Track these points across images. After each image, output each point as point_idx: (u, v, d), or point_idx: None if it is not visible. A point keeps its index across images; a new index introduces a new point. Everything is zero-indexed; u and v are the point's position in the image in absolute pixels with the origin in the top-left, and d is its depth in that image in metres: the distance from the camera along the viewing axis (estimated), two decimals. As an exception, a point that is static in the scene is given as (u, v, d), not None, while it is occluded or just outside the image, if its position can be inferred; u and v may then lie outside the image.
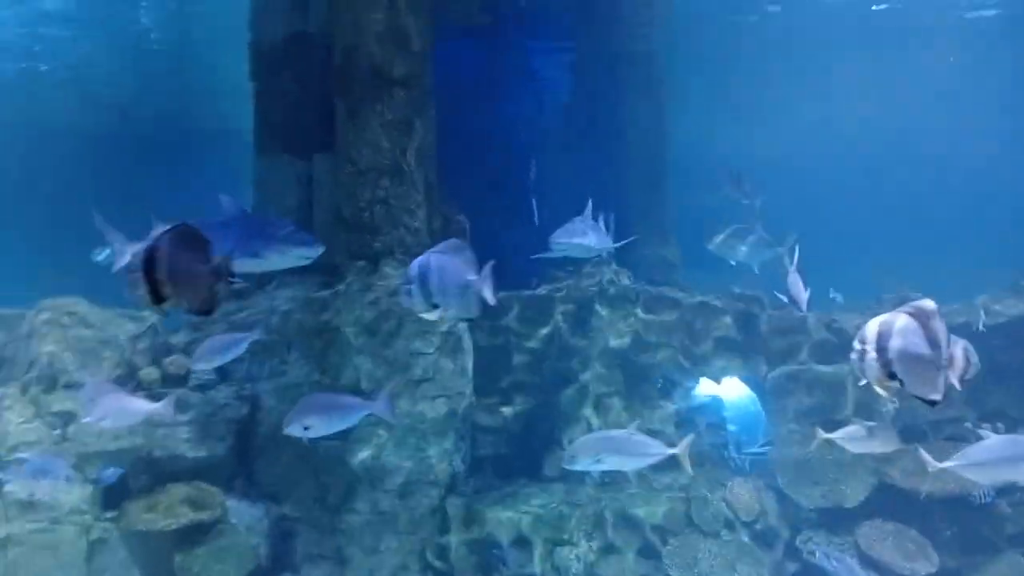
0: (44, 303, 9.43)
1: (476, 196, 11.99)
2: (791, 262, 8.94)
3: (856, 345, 4.32)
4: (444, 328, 9.59)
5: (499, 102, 14.30)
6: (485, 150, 13.53)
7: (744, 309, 11.22)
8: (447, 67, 11.44)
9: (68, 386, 9.01)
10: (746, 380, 11.37)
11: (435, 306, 5.13)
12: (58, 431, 8.92)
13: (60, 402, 8.95)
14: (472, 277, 5.15)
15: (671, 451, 7.59)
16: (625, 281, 11.13)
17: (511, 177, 13.25)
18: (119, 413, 7.51)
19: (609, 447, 7.66)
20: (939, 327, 4.13)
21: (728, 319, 11.11)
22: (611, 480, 10.23)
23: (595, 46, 13.87)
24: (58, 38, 16.90)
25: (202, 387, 9.66)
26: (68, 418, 8.91)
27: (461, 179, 11.37)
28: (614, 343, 10.89)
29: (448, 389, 9.47)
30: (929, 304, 4.20)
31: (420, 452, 9.38)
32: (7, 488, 8.79)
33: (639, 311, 11.03)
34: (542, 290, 10.93)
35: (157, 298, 3.49)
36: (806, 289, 8.68)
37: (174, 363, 9.88)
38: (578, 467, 7.82)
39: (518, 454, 10.73)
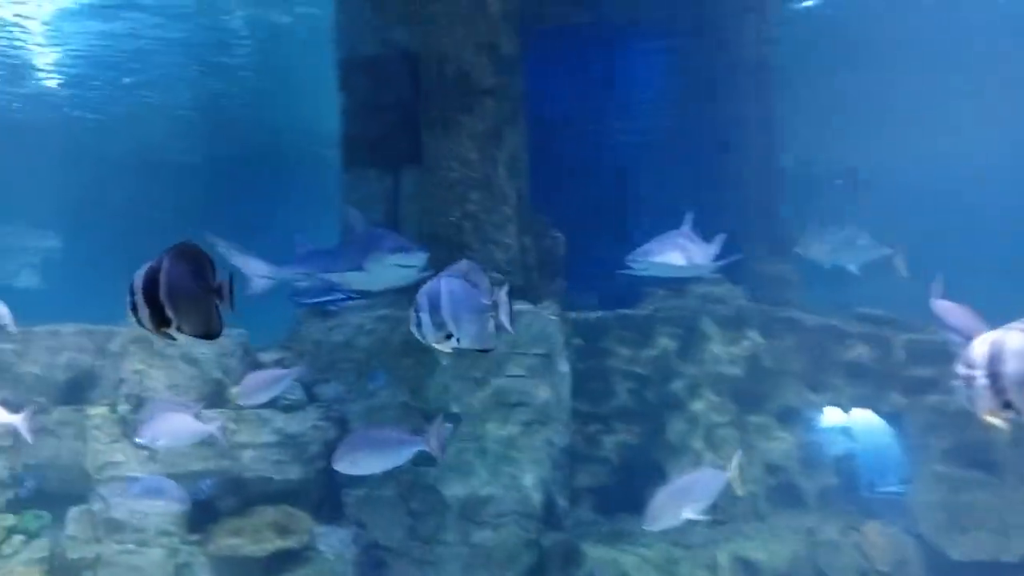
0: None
1: (573, 209, 11.31)
2: (936, 289, 7.60)
3: (961, 370, 3.72)
4: (539, 350, 8.93)
5: (599, 109, 13.62)
6: (582, 160, 12.85)
7: (875, 332, 10.05)
8: (541, 72, 10.93)
9: (156, 405, 8.82)
10: (878, 412, 10.14)
11: (448, 335, 4.74)
12: (146, 451, 8.72)
13: (148, 421, 8.77)
14: (487, 302, 4.69)
15: (725, 474, 7.30)
16: (739, 300, 10.15)
17: (611, 189, 12.52)
18: (171, 433, 7.24)
19: (688, 497, 6.96)
20: None
21: (857, 343, 9.96)
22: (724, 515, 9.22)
23: (704, 48, 13.01)
24: (152, 62, 17.40)
25: (289, 408, 9.34)
26: (156, 438, 8.70)
27: (557, 191, 10.74)
28: (727, 369, 9.90)
29: (544, 415, 8.84)
30: None
31: (514, 482, 8.75)
32: (97, 507, 8.67)
33: (755, 334, 10.01)
34: (644, 310, 10.07)
35: (160, 321, 3.34)
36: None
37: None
38: (660, 528, 7.18)
39: (620, 487, 9.88)
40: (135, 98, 18.81)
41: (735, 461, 7.31)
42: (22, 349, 9.60)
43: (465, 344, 4.83)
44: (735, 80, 12.56)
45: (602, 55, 13.57)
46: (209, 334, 3.40)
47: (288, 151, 21.23)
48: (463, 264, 4.79)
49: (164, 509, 8.56)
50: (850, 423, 10.36)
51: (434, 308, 4.69)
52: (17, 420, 7.57)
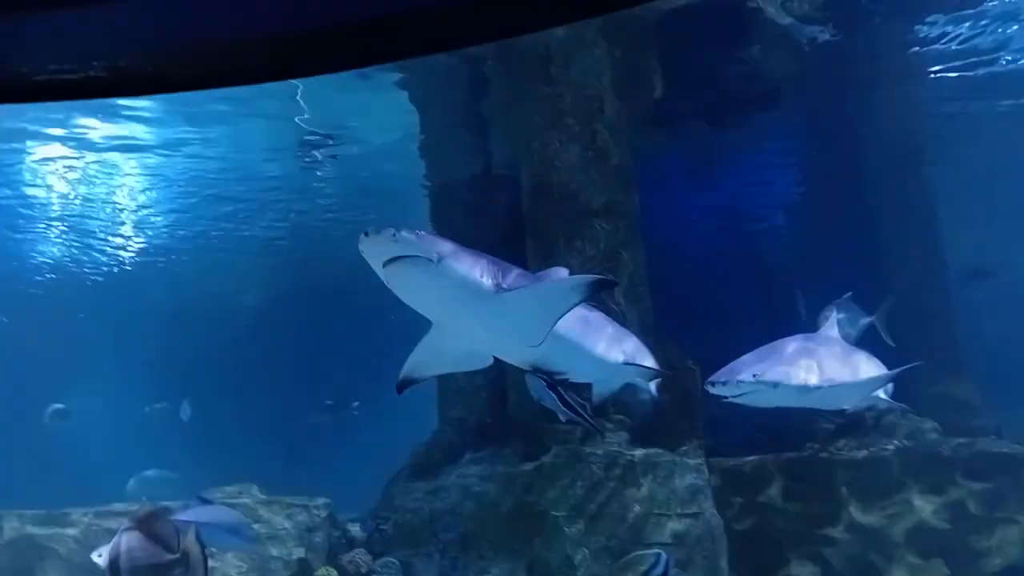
0: (207, 492, 8.14)
1: (708, 331, 9.71)
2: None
3: None
4: (685, 510, 7.18)
5: (723, 213, 12.33)
6: (711, 274, 11.39)
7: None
8: (658, 184, 9.80)
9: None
10: None
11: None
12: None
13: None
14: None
15: None
16: (931, 434, 8.16)
17: (747, 304, 10.94)
18: None
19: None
20: None
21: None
22: None
23: (837, 136, 11.64)
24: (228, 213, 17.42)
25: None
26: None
27: (687, 312, 9.27)
28: (932, 522, 7.79)
29: (698, 593, 6.90)
30: None
31: None
32: None
33: (958, 475, 7.93)
34: (812, 451, 8.15)
35: None
36: None
37: (353, 561, 8.19)
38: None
39: None
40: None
41: None
42: (83, 536, 8.51)
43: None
44: (880, 173, 11.09)
45: (725, 154, 12.44)
46: None
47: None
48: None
49: None
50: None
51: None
52: None
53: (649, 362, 5.34)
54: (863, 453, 8.19)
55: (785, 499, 8.21)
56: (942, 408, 9.73)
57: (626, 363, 5.06)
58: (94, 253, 18.63)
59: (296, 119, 12.51)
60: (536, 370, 4.59)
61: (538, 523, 7.78)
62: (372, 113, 12.34)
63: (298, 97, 11.73)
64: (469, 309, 3.93)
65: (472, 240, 9.65)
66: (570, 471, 7.83)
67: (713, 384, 5.00)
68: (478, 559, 8.06)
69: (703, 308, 10.57)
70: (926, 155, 11.25)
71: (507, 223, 9.57)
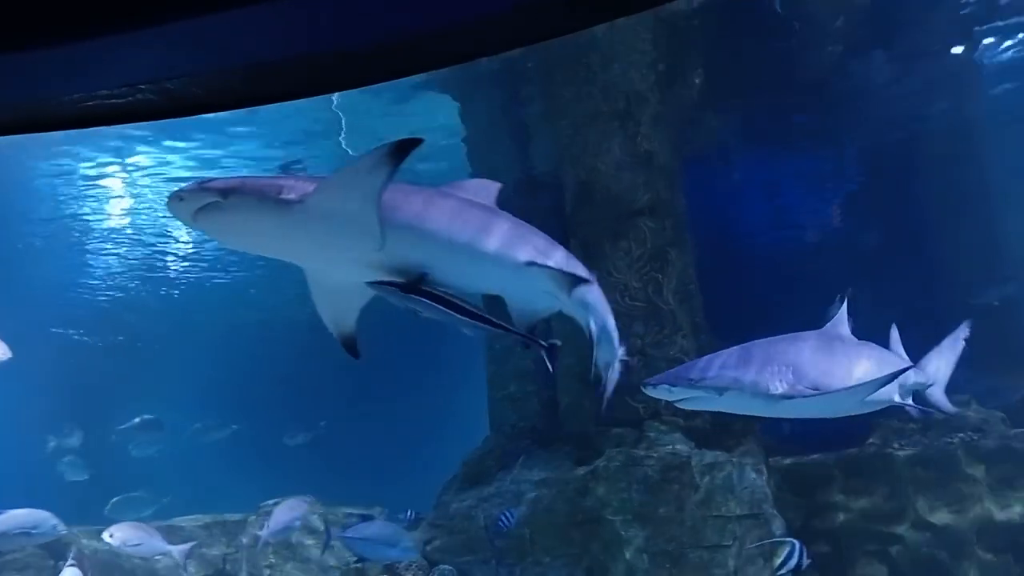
0: (266, 505, 8.27)
1: (761, 331, 9.54)
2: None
3: None
4: (747, 511, 7.05)
5: (775, 211, 12.11)
6: (764, 273, 11.19)
7: None
8: (706, 183, 9.65)
9: (291, 608, 7.54)
10: None
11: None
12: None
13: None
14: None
15: None
16: (1001, 427, 7.86)
17: (800, 303, 10.70)
18: None
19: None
20: None
21: None
22: None
23: (889, 131, 11.35)
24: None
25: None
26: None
27: (739, 311, 9.10)
28: (1002, 517, 7.49)
29: (761, 595, 6.77)
30: None
31: None
32: None
33: (1031, 469, 7.64)
34: (874, 448, 7.91)
35: None
36: None
37: (411, 568, 8.23)
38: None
39: None
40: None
41: None
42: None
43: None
44: (935, 174, 10.77)
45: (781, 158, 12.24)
46: None
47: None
48: None
49: None
50: None
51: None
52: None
53: (572, 269, 4.15)
54: (928, 447, 7.92)
55: (848, 497, 7.98)
56: (1006, 401, 9.42)
57: (530, 263, 3.84)
58: (156, 271, 19.11)
59: (340, 138, 12.69)
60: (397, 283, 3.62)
61: (595, 528, 7.70)
62: (413, 129, 12.46)
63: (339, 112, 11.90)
64: (288, 232, 3.42)
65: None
66: (625, 474, 7.74)
67: (645, 386, 4.36)
68: (535, 565, 8.00)
69: (756, 307, 10.40)
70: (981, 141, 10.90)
71: (552, 227, 9.50)
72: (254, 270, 18.59)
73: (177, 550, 7.70)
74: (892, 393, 4.77)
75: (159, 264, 18.38)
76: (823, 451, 8.17)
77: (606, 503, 7.67)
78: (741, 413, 4.73)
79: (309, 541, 7.97)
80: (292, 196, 3.29)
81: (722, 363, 4.35)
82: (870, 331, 6.02)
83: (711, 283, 8.97)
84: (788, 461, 8.14)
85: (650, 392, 4.39)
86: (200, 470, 17.63)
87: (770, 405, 4.33)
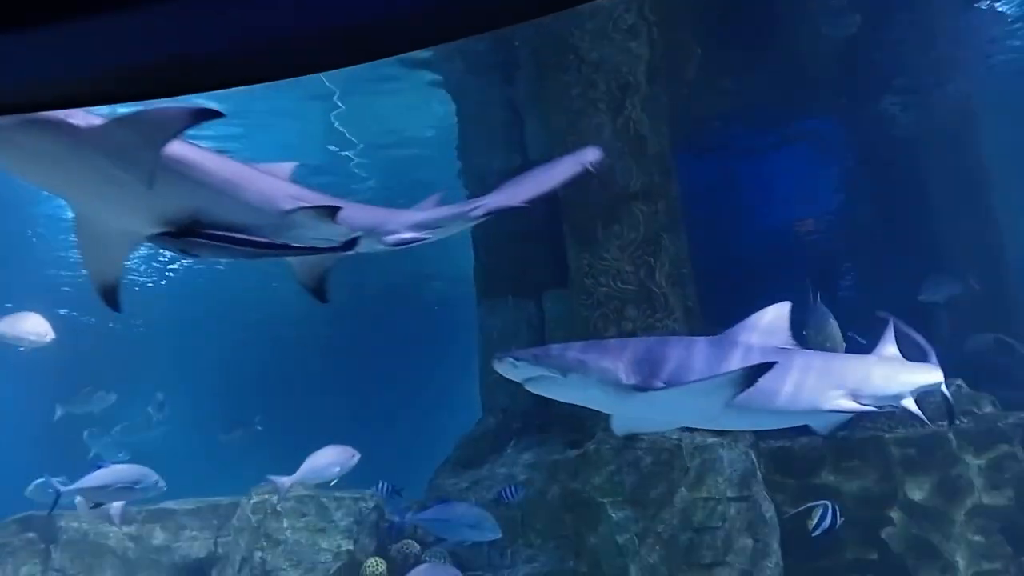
0: (258, 489, 8.26)
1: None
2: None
3: None
4: (737, 493, 7.07)
5: (771, 203, 12.10)
6: (759, 258, 11.18)
7: None
8: (701, 168, 9.63)
9: (282, 588, 7.55)
10: None
11: None
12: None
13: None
14: None
15: None
16: (988, 408, 7.90)
17: (796, 289, 10.74)
18: None
19: None
20: None
21: None
22: None
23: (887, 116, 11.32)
24: None
25: (434, 584, 7.81)
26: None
27: (734, 297, 9.08)
28: (991, 500, 7.55)
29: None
30: None
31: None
32: None
33: (1020, 452, 7.67)
34: (865, 431, 7.97)
35: None
36: None
37: (402, 551, 8.27)
38: None
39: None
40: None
41: None
42: (137, 533, 8.70)
43: None
44: (931, 164, 10.76)
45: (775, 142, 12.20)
46: None
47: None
48: None
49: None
50: None
51: None
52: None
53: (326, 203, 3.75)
54: (918, 430, 7.95)
55: (838, 480, 8.02)
56: (1001, 382, 9.47)
57: (291, 210, 3.59)
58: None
59: (331, 114, 12.57)
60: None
61: (585, 510, 7.71)
62: (408, 112, 12.35)
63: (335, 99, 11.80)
64: (66, 161, 3.24)
65: (505, 229, 9.74)
66: (616, 457, 7.74)
67: (494, 360, 4.04)
68: (526, 547, 8.03)
69: (751, 293, 10.37)
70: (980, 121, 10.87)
71: (545, 211, 9.50)
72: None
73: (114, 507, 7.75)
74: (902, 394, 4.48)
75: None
76: (813, 434, 8.19)
77: (597, 486, 7.69)
78: (595, 407, 4.29)
79: (299, 523, 7.96)
80: (80, 124, 3.22)
81: (580, 348, 4.01)
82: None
83: (705, 268, 8.96)
84: (778, 443, 8.17)
85: (497, 367, 4.03)
86: (188, 456, 17.64)
87: (621, 397, 3.88)
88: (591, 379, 3.89)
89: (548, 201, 9.33)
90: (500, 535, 7.01)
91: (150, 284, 20.26)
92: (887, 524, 7.86)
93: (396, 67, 10.70)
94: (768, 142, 11.99)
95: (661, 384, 3.82)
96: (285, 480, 7.28)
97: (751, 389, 3.80)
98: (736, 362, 3.96)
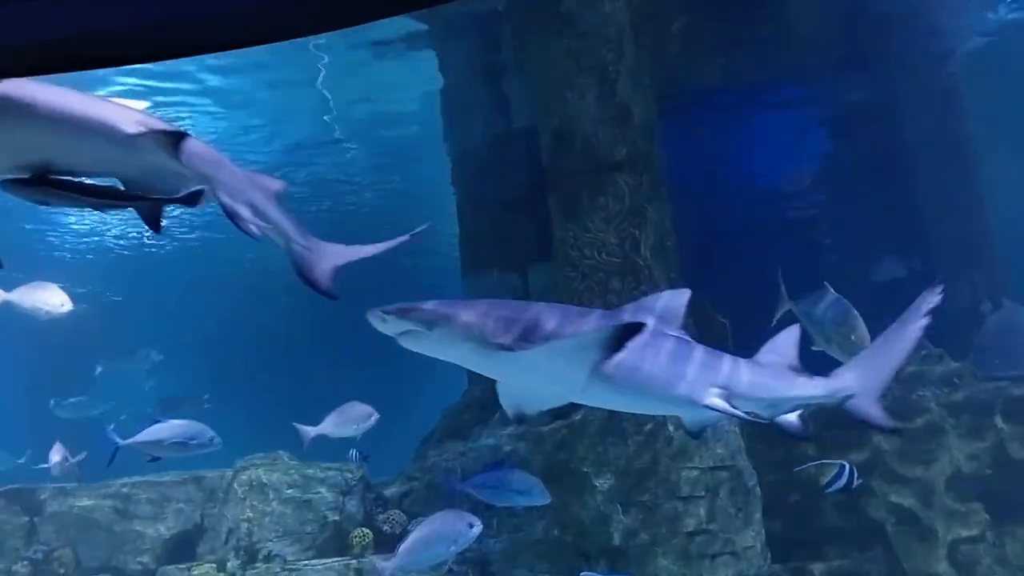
0: (242, 462, 8.27)
1: (738, 290, 9.59)
2: None
3: None
4: (720, 463, 7.15)
5: (754, 173, 12.09)
6: (743, 232, 11.20)
7: None
8: (685, 138, 9.59)
9: (268, 558, 7.57)
10: None
11: None
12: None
13: (261, 578, 7.53)
14: None
15: None
16: (969, 378, 8.03)
17: (780, 259, 10.81)
18: None
19: None
20: None
21: None
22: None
23: (876, 88, 11.30)
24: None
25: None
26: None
27: (716, 271, 9.14)
28: (969, 467, 7.70)
29: (733, 545, 6.91)
30: None
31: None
32: None
33: (999, 420, 7.80)
34: (846, 400, 8.05)
35: None
36: None
37: (388, 522, 8.29)
38: None
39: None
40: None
41: None
42: (122, 506, 8.70)
43: None
44: (916, 131, 10.77)
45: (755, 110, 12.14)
46: None
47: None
48: None
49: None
50: None
51: None
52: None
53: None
54: (899, 400, 8.05)
55: (819, 449, 8.14)
56: (989, 358, 9.59)
57: (136, 135, 3.40)
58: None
59: (317, 82, 12.42)
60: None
61: (570, 480, 7.78)
62: (393, 82, 12.22)
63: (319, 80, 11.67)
64: None
65: (490, 201, 9.67)
66: (600, 427, 7.82)
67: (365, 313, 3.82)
68: (510, 517, 8.10)
69: (735, 263, 10.42)
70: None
71: (530, 181, 9.47)
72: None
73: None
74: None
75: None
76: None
77: (582, 456, 7.75)
78: (466, 366, 4.12)
79: (285, 495, 7.97)
80: None
81: (449, 304, 3.87)
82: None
83: (691, 238, 8.98)
84: (762, 413, 8.25)
85: (370, 319, 3.84)
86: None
87: (486, 356, 3.77)
88: (456, 334, 3.75)
89: (534, 169, 9.34)
90: (549, 500, 6.92)
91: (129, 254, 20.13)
92: (867, 492, 8.00)
93: (383, 31, 10.56)
94: (754, 110, 11.97)
95: (526, 345, 3.72)
96: (310, 430, 7.46)
97: (624, 364, 3.72)
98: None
